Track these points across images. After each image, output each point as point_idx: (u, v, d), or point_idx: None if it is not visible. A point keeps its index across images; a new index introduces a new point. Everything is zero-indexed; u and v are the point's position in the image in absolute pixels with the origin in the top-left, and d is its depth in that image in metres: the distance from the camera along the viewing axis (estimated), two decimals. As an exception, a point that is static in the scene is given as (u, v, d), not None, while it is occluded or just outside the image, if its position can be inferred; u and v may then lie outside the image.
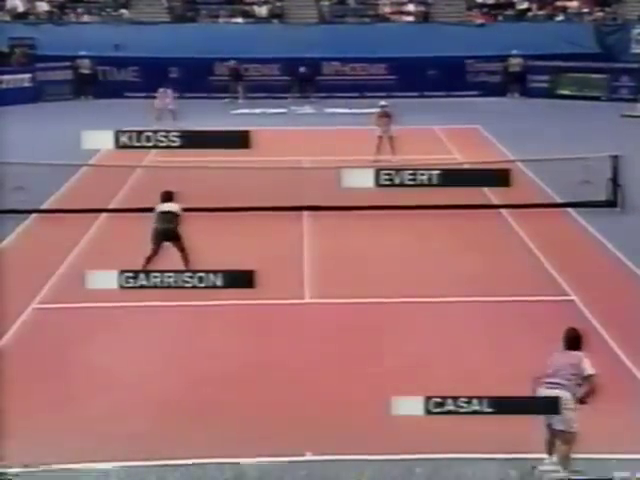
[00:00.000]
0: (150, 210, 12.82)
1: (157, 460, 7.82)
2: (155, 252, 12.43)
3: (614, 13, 32.53)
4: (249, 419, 8.57)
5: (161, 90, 25.27)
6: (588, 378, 7.29)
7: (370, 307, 11.51)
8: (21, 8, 32.90)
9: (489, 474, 7.63)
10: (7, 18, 32.44)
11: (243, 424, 8.47)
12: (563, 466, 7.47)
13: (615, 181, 15.77)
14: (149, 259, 12.38)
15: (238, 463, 7.80)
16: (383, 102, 20.74)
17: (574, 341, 7.48)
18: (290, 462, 7.82)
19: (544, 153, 17.97)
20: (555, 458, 7.53)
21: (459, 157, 20.26)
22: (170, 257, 12.42)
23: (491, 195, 16.83)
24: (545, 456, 7.61)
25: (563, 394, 7.16)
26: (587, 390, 7.28)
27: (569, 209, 15.76)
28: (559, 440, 7.45)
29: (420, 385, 9.25)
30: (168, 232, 12.45)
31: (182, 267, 12.34)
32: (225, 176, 16.93)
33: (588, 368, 7.31)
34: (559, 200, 16.32)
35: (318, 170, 17.24)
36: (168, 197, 12.72)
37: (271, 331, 10.82)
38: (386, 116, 20.14)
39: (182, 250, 12.49)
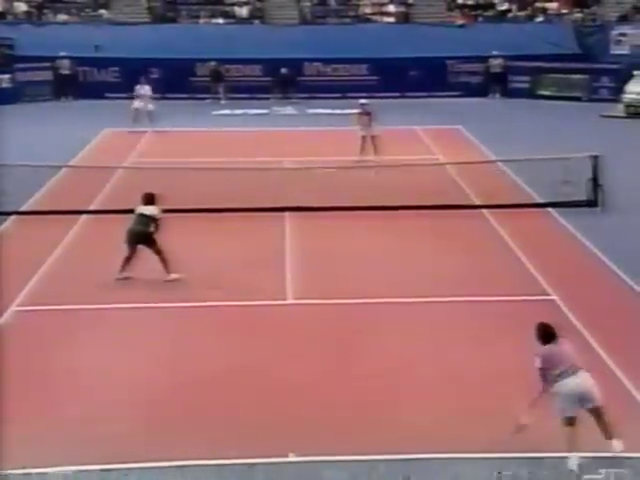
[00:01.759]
0: (131, 212, 12.78)
1: (140, 462, 7.79)
2: (131, 253, 12.40)
3: (593, 14, 32.79)
4: (232, 421, 8.56)
5: (138, 87, 24.80)
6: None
7: (353, 308, 11.53)
8: (-1, 8, 32.70)
9: (478, 474, 7.65)
10: (-16, 18, 32.22)
11: (226, 426, 8.46)
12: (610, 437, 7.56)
13: (595, 181, 15.89)
14: (127, 260, 12.39)
15: (222, 465, 7.79)
16: (363, 100, 20.66)
17: (553, 334, 7.81)
18: (274, 463, 7.82)
19: (525, 153, 18.07)
20: (579, 455, 7.57)
21: (441, 157, 20.34)
22: (150, 259, 12.40)
23: (473, 195, 16.94)
24: (571, 455, 7.59)
25: (586, 374, 7.58)
26: None
27: (550, 209, 15.86)
28: (596, 418, 7.61)
29: (404, 385, 9.30)
30: (140, 234, 12.35)
31: (161, 269, 12.35)
32: (207, 177, 16.90)
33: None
34: (540, 200, 16.42)
35: (300, 171, 17.25)
36: (149, 199, 12.61)
37: (254, 332, 10.80)
38: (366, 114, 20.08)
39: (158, 253, 12.37)
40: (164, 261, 12.34)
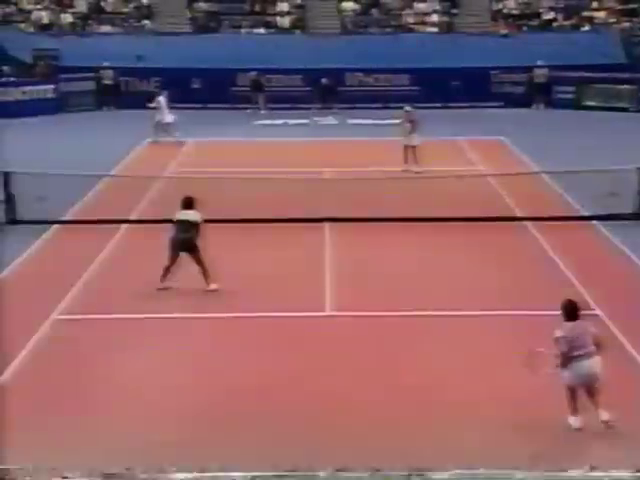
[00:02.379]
0: (170, 221, 12.86)
1: (177, 473, 7.82)
2: (173, 262, 12.39)
3: (642, 23, 32.38)
4: (270, 433, 8.55)
5: (158, 98, 24.30)
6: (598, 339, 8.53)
7: (393, 321, 11.46)
8: (45, 19, 33.33)
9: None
10: (31, 29, 32.87)
11: (264, 438, 8.45)
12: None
13: (642, 194, 15.64)
14: (167, 269, 12.41)
15: (260, 477, 7.79)
16: (407, 107, 20.60)
17: (576, 311, 8.56)
18: (313, 477, 7.78)
19: (569, 165, 17.86)
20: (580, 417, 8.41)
21: (483, 169, 20.19)
22: (189, 269, 12.47)
23: (516, 208, 16.78)
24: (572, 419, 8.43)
25: (599, 359, 8.37)
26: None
27: (595, 222, 15.64)
28: (593, 393, 8.39)
29: (442, 401, 9.21)
30: (185, 242, 12.32)
31: (201, 278, 12.40)
32: (246, 187, 16.99)
33: (596, 331, 8.60)
34: (585, 213, 16.21)
35: (340, 182, 17.26)
36: (188, 203, 12.54)
37: (292, 344, 10.80)
38: (409, 122, 20.02)
39: (199, 262, 12.33)
40: (205, 271, 12.36)
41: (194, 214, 12.46)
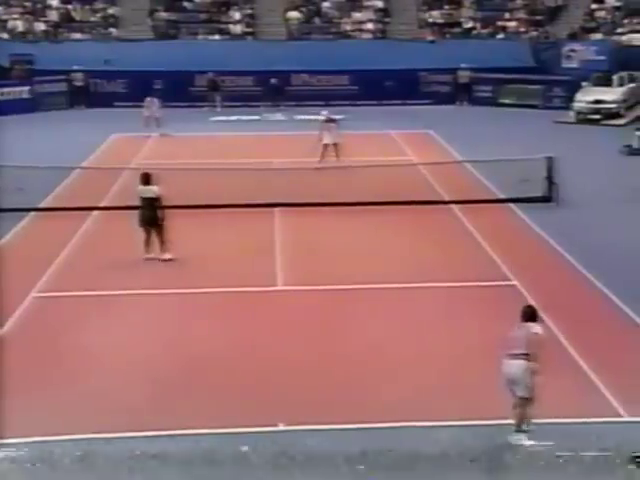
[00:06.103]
0: (134, 208, 12.81)
1: (147, 431, 7.72)
2: (147, 235, 12.55)
3: (547, 32, 32.83)
4: (229, 394, 8.49)
5: (148, 99, 24.90)
6: (533, 338, 7.39)
7: (336, 293, 11.45)
8: (20, 27, 32.56)
9: (449, 441, 7.59)
10: (8, 37, 32.05)
11: (224, 398, 8.39)
12: (517, 429, 7.50)
13: (550, 179, 15.90)
14: (146, 242, 12.56)
15: (219, 433, 7.72)
16: (324, 111, 20.07)
17: (529, 315, 7.58)
18: (265, 432, 7.75)
19: (488, 154, 18.01)
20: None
21: (414, 158, 20.26)
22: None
23: (443, 192, 16.90)
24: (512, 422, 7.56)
25: (522, 364, 7.33)
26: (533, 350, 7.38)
27: (510, 204, 15.84)
28: (517, 404, 7.50)
29: (384, 362, 9.24)
30: (148, 218, 12.48)
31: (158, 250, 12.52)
32: (204, 177, 16.75)
33: (533, 330, 7.45)
34: (501, 196, 16.40)
35: (288, 171, 17.14)
36: (146, 179, 12.67)
37: (247, 316, 10.72)
38: (329, 122, 19.65)
39: (159, 234, 12.48)
40: (162, 243, 12.54)
41: (152, 189, 12.58)
